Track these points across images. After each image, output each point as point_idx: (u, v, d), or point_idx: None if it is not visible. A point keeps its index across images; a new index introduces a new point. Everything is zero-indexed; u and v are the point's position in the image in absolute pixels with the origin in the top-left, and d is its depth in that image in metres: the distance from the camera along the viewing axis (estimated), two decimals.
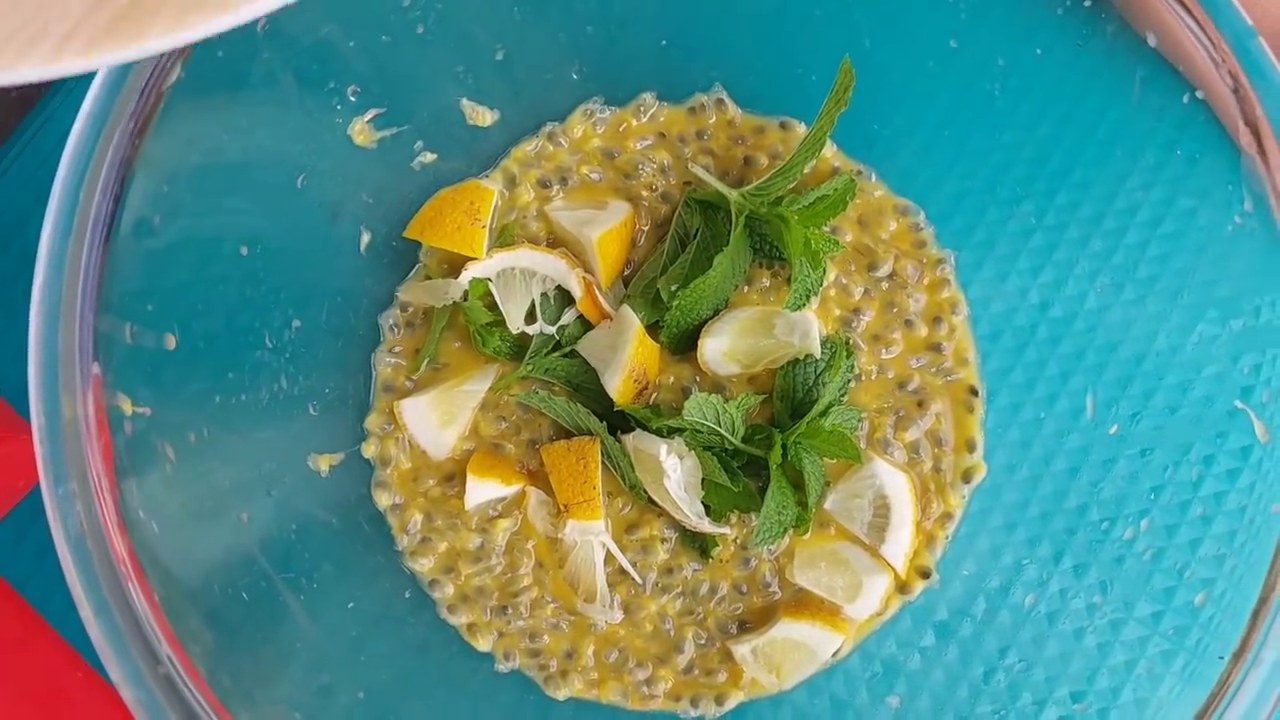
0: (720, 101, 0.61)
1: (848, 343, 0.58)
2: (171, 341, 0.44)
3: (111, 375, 0.40)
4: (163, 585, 0.40)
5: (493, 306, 0.58)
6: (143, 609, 0.38)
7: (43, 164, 0.63)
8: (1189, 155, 0.56)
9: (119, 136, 0.40)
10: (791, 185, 0.57)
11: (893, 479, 0.57)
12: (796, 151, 0.56)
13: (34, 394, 0.38)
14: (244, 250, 0.50)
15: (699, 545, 0.57)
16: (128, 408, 0.41)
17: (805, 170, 0.57)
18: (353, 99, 0.53)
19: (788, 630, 0.56)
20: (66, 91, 0.63)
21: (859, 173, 0.60)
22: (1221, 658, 0.43)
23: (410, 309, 0.59)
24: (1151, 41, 0.46)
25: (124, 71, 0.41)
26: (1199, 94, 0.46)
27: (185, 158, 0.45)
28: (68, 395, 0.38)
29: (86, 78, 0.44)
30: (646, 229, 0.60)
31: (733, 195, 0.57)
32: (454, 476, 0.58)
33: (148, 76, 0.41)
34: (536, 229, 0.60)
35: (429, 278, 0.59)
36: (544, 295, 0.59)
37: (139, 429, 0.42)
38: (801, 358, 0.57)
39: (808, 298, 0.57)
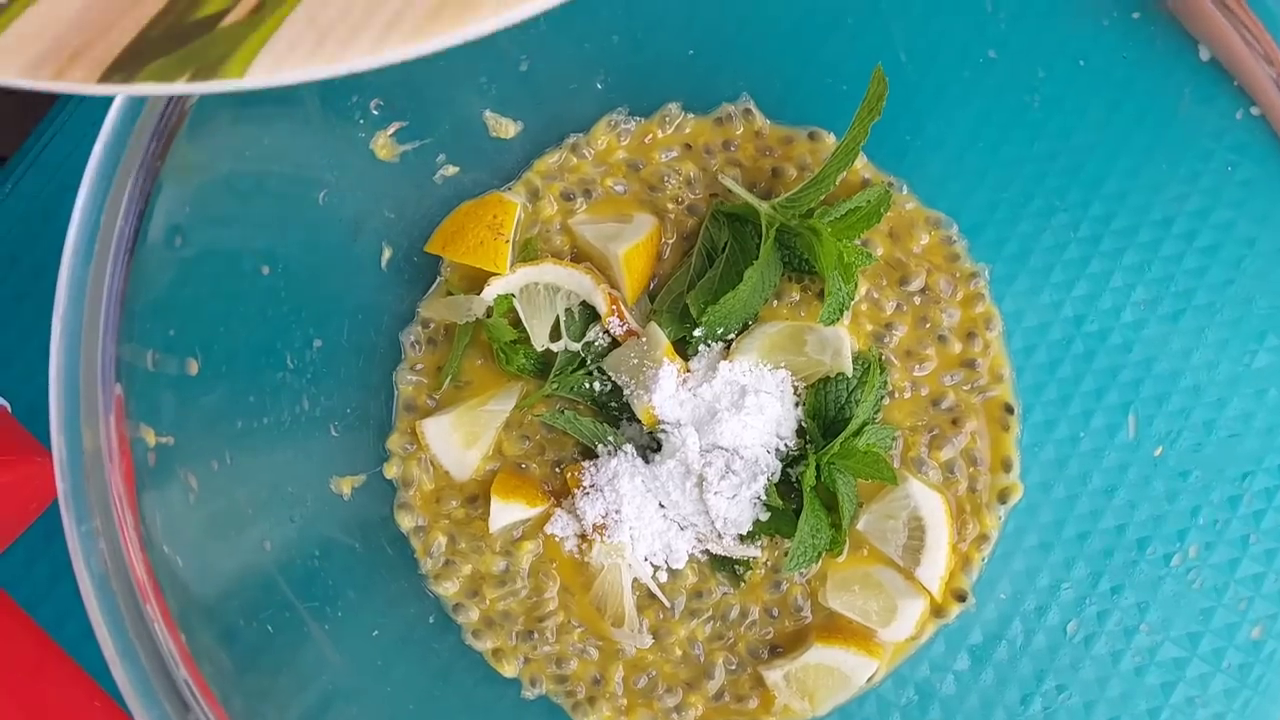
0: (748, 112, 0.59)
1: (880, 359, 0.57)
2: (194, 367, 0.43)
3: (134, 405, 0.39)
4: (188, 620, 0.39)
5: (516, 323, 0.57)
6: (168, 647, 0.37)
7: (52, 178, 0.61)
8: (1232, 164, 0.55)
9: (140, 156, 0.39)
10: (823, 197, 0.56)
11: (928, 499, 0.55)
12: (829, 162, 0.55)
13: (55, 426, 0.36)
14: (265, 270, 0.48)
15: (729, 568, 0.56)
16: (151, 438, 0.40)
17: (837, 181, 0.56)
18: (375, 112, 0.51)
19: (821, 655, 0.54)
20: (76, 103, 0.62)
21: (890, 184, 0.59)
22: None
23: (432, 326, 0.58)
24: (1204, 55, 0.45)
25: None
26: (1254, 110, 0.45)
27: (207, 176, 0.44)
28: (89, 428, 0.37)
29: None
30: (672, 242, 0.59)
31: (763, 207, 0.55)
32: (477, 498, 0.56)
33: (168, 97, 0.40)
34: (560, 243, 0.59)
35: (451, 294, 0.58)
36: (568, 311, 0.57)
37: (162, 459, 0.40)
38: (833, 375, 0.56)
39: (841, 312, 0.56)
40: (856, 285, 0.56)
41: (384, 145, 0.53)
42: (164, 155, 0.40)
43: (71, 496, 0.36)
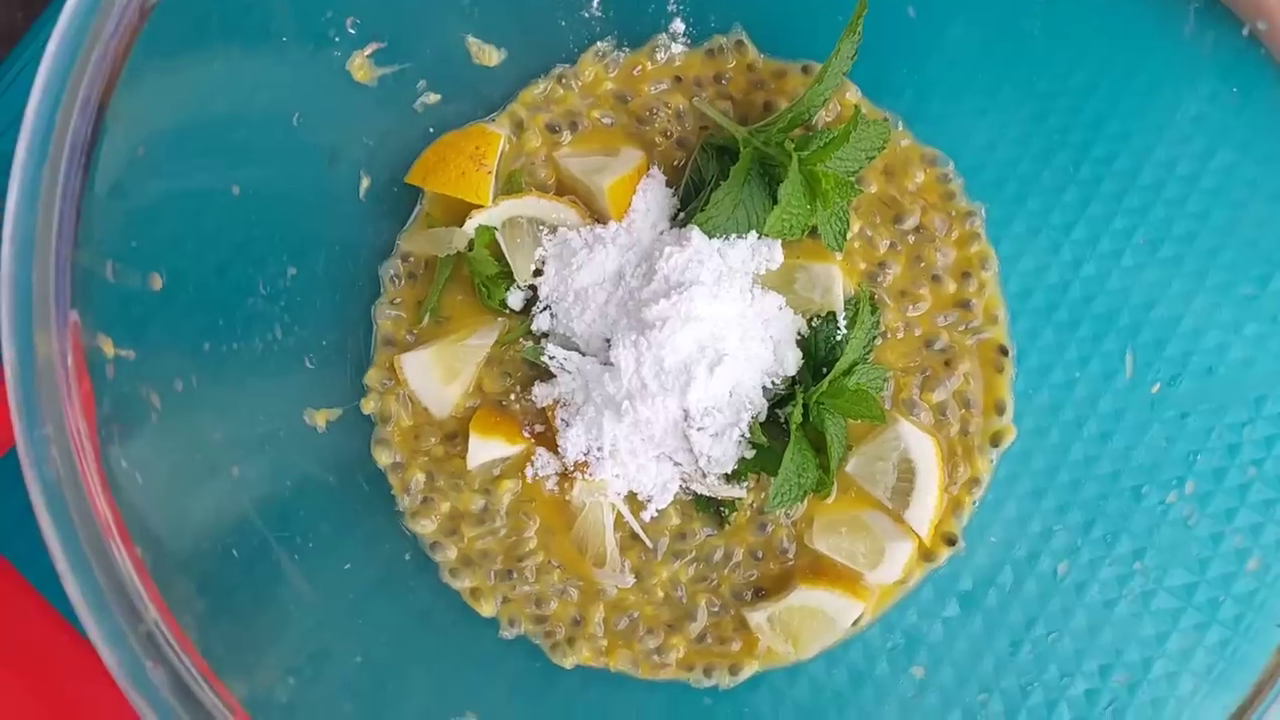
0: (740, 44, 0.58)
1: (872, 298, 0.55)
2: (158, 282, 0.42)
3: (92, 315, 0.37)
4: (147, 541, 0.38)
5: (499, 257, 0.55)
6: (124, 565, 0.36)
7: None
8: (1238, 106, 0.53)
9: (99, 57, 0.37)
10: (809, 120, 0.54)
11: (918, 442, 0.54)
12: (810, 88, 0.53)
13: (5, 332, 0.35)
14: (236, 190, 0.47)
15: (713, 509, 0.55)
16: (109, 349, 0.38)
17: (821, 108, 0.54)
18: (352, 31, 0.50)
19: (805, 598, 0.53)
20: (50, 22, 0.60)
21: (886, 120, 0.57)
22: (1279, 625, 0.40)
23: (412, 259, 0.56)
24: None
25: None
26: (1260, 25, 0.43)
27: (172, 87, 0.42)
28: (42, 333, 0.35)
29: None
30: None
31: (741, 132, 0.54)
32: (456, 435, 0.55)
33: None
34: (545, 176, 0.57)
35: (432, 226, 0.56)
36: None
37: (122, 373, 0.39)
38: (824, 314, 0.54)
39: (792, 227, 0.52)
40: (848, 221, 0.55)
41: (361, 66, 0.51)
42: (126, 56, 0.38)
43: (22, 402, 0.34)
